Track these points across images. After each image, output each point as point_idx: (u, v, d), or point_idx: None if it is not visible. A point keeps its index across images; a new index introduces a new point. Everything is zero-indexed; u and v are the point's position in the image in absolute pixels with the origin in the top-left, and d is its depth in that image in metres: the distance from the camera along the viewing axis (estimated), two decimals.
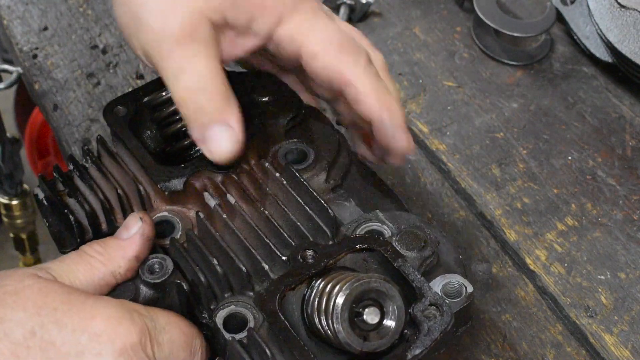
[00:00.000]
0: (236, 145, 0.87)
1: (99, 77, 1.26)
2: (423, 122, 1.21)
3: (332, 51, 0.90)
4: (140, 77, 1.26)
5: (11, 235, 1.83)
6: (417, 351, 0.77)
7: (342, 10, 1.32)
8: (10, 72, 1.36)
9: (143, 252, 0.83)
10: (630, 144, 1.18)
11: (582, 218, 1.10)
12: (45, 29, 1.33)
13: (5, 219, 1.79)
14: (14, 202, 1.74)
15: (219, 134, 0.86)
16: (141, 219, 0.83)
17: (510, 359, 0.97)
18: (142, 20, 0.86)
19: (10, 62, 1.55)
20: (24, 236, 1.82)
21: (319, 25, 0.91)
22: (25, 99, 2.43)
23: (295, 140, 0.97)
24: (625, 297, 1.02)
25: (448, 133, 1.19)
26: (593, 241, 1.07)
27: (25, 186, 1.74)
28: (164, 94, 0.95)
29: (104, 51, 1.30)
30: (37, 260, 1.89)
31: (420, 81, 1.26)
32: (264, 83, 0.99)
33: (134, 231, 0.83)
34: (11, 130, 2.17)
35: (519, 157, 1.16)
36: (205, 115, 0.86)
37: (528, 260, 1.06)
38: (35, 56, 1.30)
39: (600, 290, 1.03)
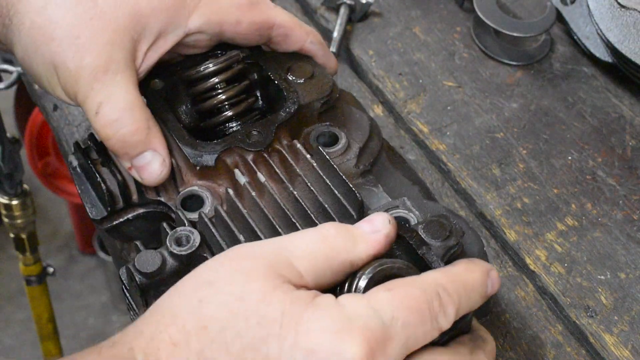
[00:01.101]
0: (166, 167, 0.90)
1: None
2: (423, 122, 1.21)
3: (248, 10, 0.96)
4: None
5: (11, 235, 1.83)
6: (437, 338, 0.77)
7: (342, 10, 1.32)
8: (10, 72, 1.36)
9: (382, 253, 0.78)
10: (630, 144, 1.18)
11: (582, 218, 1.10)
12: None
13: (5, 219, 1.79)
14: (14, 202, 1.74)
15: (148, 161, 0.89)
16: (390, 221, 0.78)
17: (510, 359, 0.97)
18: (58, 64, 0.88)
19: (10, 62, 1.56)
20: (24, 236, 1.82)
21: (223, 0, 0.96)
22: (25, 99, 2.43)
23: (327, 123, 0.97)
24: (625, 297, 1.02)
25: (448, 133, 1.19)
26: (593, 241, 1.07)
27: (25, 186, 1.74)
28: (201, 69, 0.95)
29: None
30: (37, 261, 1.89)
31: (420, 81, 1.26)
32: (300, 65, 0.99)
33: (380, 229, 0.78)
34: (11, 130, 2.17)
35: (519, 157, 1.16)
36: (131, 147, 0.89)
37: (528, 260, 1.06)
38: None
39: (600, 290, 1.03)
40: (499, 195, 1.12)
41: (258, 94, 1.01)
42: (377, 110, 1.23)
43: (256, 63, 1.00)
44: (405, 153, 1.17)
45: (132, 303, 0.87)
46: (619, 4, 1.19)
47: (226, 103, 0.97)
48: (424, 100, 1.24)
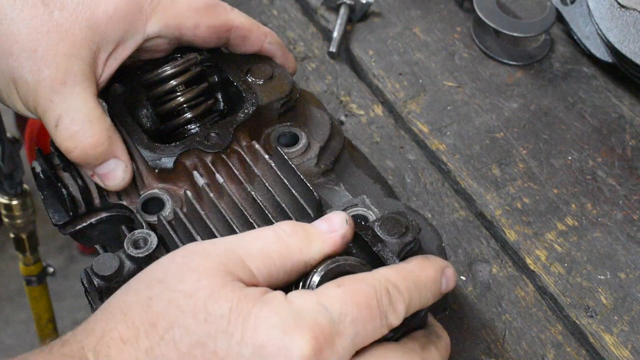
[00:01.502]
0: (128, 173, 0.90)
1: None
2: (423, 122, 1.21)
3: (206, 13, 0.96)
4: None
5: (11, 235, 1.83)
6: (389, 335, 0.78)
7: (342, 10, 1.32)
8: None
9: (337, 253, 0.78)
10: (630, 144, 1.18)
11: (582, 218, 1.10)
12: None
13: (5, 219, 1.79)
14: (14, 202, 1.74)
15: (110, 169, 0.90)
16: (347, 220, 0.78)
17: (510, 359, 0.97)
18: (16, 78, 0.88)
19: None
20: (24, 236, 1.82)
21: (181, 3, 0.95)
22: None
23: (288, 123, 0.98)
24: (625, 297, 1.02)
25: (448, 133, 1.19)
26: (593, 241, 1.07)
27: (25, 186, 1.74)
28: (159, 72, 0.96)
29: None
30: (37, 261, 1.89)
31: (420, 81, 1.26)
32: (259, 66, 1.00)
33: (337, 229, 0.78)
34: (11, 130, 2.17)
35: (519, 157, 1.16)
36: (93, 158, 0.89)
37: (528, 260, 1.06)
38: None
39: (600, 290, 1.03)
40: (499, 195, 1.12)
41: (219, 97, 1.02)
42: (377, 110, 1.23)
43: (216, 65, 1.00)
44: (405, 153, 1.17)
45: (93, 305, 0.88)
46: (619, 4, 1.19)
47: (185, 105, 0.97)
48: (424, 100, 1.24)
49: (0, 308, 2.73)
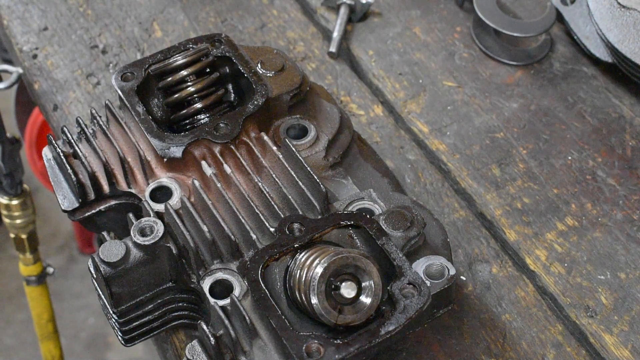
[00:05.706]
0: None
1: (99, 77, 1.26)
2: (423, 122, 1.21)
3: None
4: None
5: (11, 235, 1.82)
6: (391, 327, 0.78)
7: (342, 10, 1.32)
8: (10, 72, 1.36)
9: None
10: (630, 144, 1.18)
11: (582, 218, 1.10)
12: (45, 29, 1.33)
13: (5, 219, 1.78)
14: (14, 202, 1.74)
15: None
16: None
17: (511, 359, 0.97)
18: None
19: (10, 62, 1.55)
20: (24, 236, 1.81)
21: None
22: (25, 99, 2.43)
23: (297, 116, 0.99)
24: (625, 297, 1.02)
25: (448, 133, 1.19)
26: (593, 241, 1.07)
27: (25, 186, 1.74)
28: (170, 61, 0.97)
29: (104, 51, 1.30)
30: (37, 261, 1.88)
31: (420, 81, 1.26)
32: (270, 58, 1.00)
33: None
34: (11, 130, 2.16)
35: (519, 157, 1.16)
36: None
37: (528, 260, 1.06)
38: (35, 56, 1.30)
39: (600, 290, 1.03)
40: (499, 195, 1.12)
41: (230, 88, 1.03)
42: (377, 110, 1.23)
43: (227, 57, 1.01)
44: (405, 153, 1.17)
45: (100, 292, 0.89)
46: (619, 4, 1.19)
47: (195, 95, 0.98)
48: (424, 100, 1.24)
49: (0, 308, 2.73)
